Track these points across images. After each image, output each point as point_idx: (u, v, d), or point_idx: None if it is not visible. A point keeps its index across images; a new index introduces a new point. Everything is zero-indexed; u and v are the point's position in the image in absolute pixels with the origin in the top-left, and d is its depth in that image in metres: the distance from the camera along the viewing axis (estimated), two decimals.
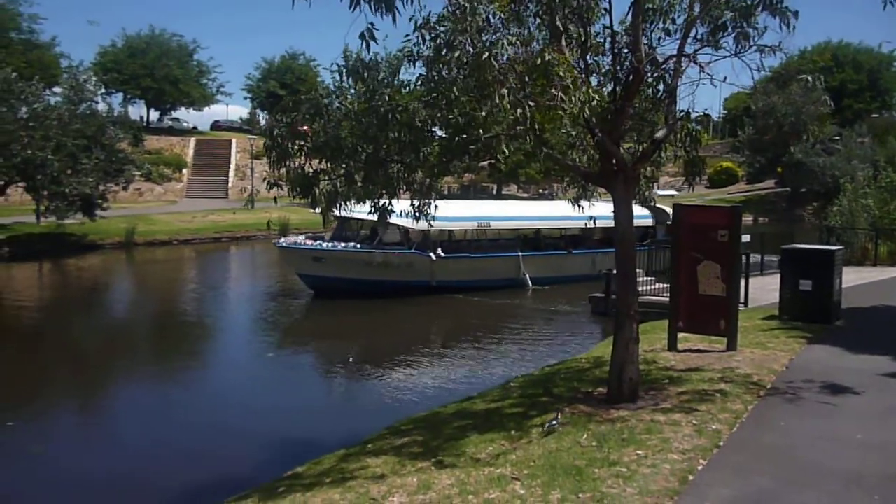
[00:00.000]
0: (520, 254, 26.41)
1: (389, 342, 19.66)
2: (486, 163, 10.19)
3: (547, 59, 6.71)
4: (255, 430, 12.35)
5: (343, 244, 24.78)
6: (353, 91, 8.56)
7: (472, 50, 6.88)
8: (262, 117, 72.82)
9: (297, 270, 25.11)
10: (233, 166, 60.51)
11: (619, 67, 8.72)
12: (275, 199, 9.69)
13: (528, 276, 26.11)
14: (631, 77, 8.36)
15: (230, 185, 58.58)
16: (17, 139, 32.02)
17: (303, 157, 9.05)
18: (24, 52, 54.57)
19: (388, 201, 9.63)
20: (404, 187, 9.44)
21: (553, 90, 6.85)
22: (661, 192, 29.15)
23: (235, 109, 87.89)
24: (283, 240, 26.40)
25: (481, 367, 16.16)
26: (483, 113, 7.52)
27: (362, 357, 17.37)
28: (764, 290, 16.56)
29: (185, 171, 58.73)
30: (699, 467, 6.46)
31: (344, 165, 8.68)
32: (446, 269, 24.84)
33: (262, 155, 9.38)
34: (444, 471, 6.79)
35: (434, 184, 9.61)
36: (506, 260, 26.46)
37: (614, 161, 8.59)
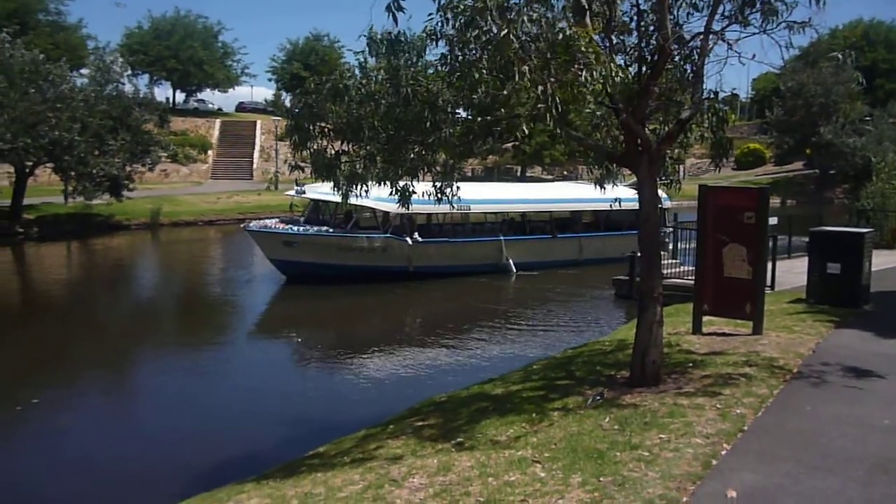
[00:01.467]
0: (502, 238, 25.70)
1: (406, 325, 19.71)
2: (509, 145, 10.09)
3: (568, 33, 6.59)
4: (275, 411, 12.45)
5: (315, 228, 23.86)
6: (374, 73, 8.50)
7: (494, 29, 6.78)
8: (287, 99, 72.95)
9: (267, 255, 24.14)
10: (257, 148, 60.74)
11: (644, 46, 8.57)
12: (296, 181, 9.70)
13: (511, 261, 25.41)
14: (657, 56, 8.22)
15: (255, 166, 58.84)
16: (45, 120, 32.31)
17: (324, 140, 9.04)
18: (52, 33, 55.09)
19: (408, 183, 9.60)
20: (425, 169, 9.40)
21: (575, 67, 6.73)
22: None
23: (260, 91, 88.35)
24: (252, 223, 25.12)
25: (501, 350, 16.14)
26: (505, 92, 7.44)
27: (381, 340, 17.34)
28: (791, 273, 16.34)
29: (210, 152, 59.05)
30: (723, 452, 6.38)
31: (365, 147, 8.64)
32: (424, 255, 24.16)
33: (286, 137, 9.36)
34: (464, 453, 6.78)
35: (456, 165, 9.54)
36: (487, 244, 25.65)
37: (639, 141, 8.47)
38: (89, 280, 27.59)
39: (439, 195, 9.70)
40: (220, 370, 15.48)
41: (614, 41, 8.54)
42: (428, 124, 8.42)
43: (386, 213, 23.32)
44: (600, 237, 27.64)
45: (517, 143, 9.53)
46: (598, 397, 7.83)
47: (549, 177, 68.73)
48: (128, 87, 37.49)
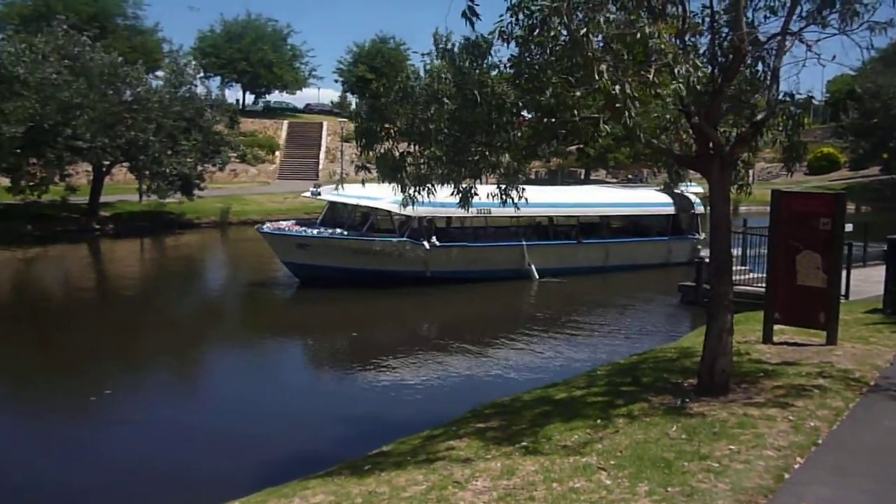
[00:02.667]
0: (524, 243, 24.69)
1: (451, 328, 19.47)
2: (573, 147, 10.00)
3: (647, 31, 6.47)
4: (338, 409, 12.58)
5: (330, 230, 23.11)
6: (440, 75, 8.53)
7: (564, 31, 6.73)
8: (353, 101, 73.81)
9: (281, 258, 23.64)
10: (323, 149, 61.60)
11: (718, 47, 8.39)
12: (363, 181, 9.81)
13: (533, 266, 24.40)
14: (730, 57, 8.03)
15: (321, 167, 59.68)
16: (122, 121, 33.46)
17: (390, 141, 9.11)
18: (129, 37, 56.91)
19: (471, 184, 9.60)
20: (489, 170, 9.39)
21: (652, 67, 6.63)
22: (690, 188, 27.59)
23: (327, 93, 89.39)
24: (266, 226, 24.40)
25: (563, 355, 15.97)
26: (578, 94, 7.37)
27: (430, 342, 17.15)
28: (867, 282, 15.78)
29: (277, 153, 60.15)
30: (796, 465, 6.20)
31: (431, 149, 8.67)
32: (442, 259, 23.21)
33: (352, 138, 9.47)
34: (528, 457, 6.74)
35: (521, 167, 9.50)
36: (508, 249, 24.67)
37: (711, 145, 8.29)
38: (160, 275, 28.44)
39: (503, 197, 9.69)
40: (274, 367, 15.74)
41: (686, 42, 8.39)
42: (494, 126, 8.42)
43: (402, 216, 22.46)
44: (628, 243, 26.83)
45: (581, 145, 9.44)
46: (686, 401, 7.70)
47: (614, 180, 67.93)
48: (200, 89, 38.57)
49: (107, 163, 35.98)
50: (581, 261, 25.33)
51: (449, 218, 24.68)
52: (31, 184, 33.43)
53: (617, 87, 6.70)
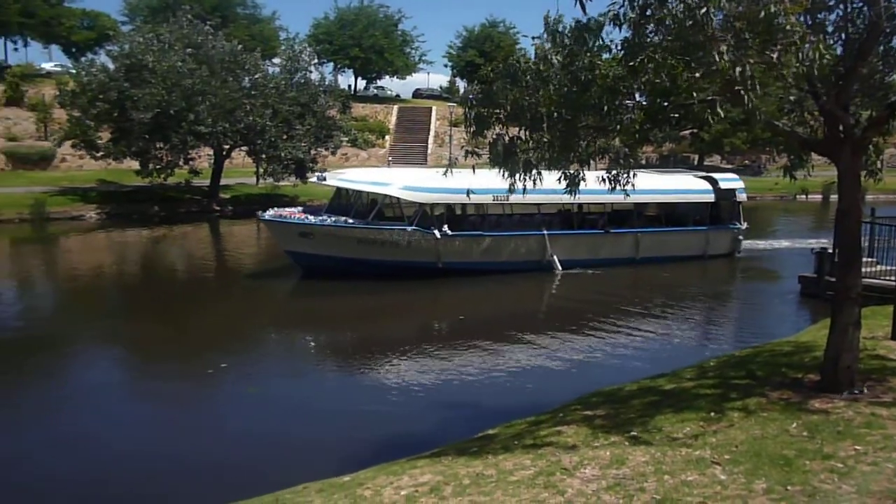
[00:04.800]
0: (545, 232, 22.85)
1: (539, 315, 19.18)
2: (687, 132, 9.64)
3: (772, 10, 6.15)
4: (440, 392, 12.70)
5: (333, 218, 21.66)
6: (550, 57, 8.41)
7: (684, 9, 6.49)
8: (461, 85, 73.94)
9: (282, 246, 22.48)
10: (432, 133, 62.10)
11: (850, 23, 7.89)
12: (473, 167, 9.83)
13: (556, 258, 22.69)
14: (865, 34, 7.54)
15: (429, 151, 60.21)
16: (241, 107, 34.81)
17: (500, 126, 9.07)
18: (248, 25, 59.16)
19: (579, 170, 9.44)
20: (599, 156, 9.23)
21: (777, 46, 6.31)
22: (725, 179, 25.97)
23: (436, 78, 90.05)
24: (267, 212, 23.00)
25: (670, 345, 15.58)
26: (698, 75, 7.12)
27: (525, 329, 16.69)
28: None
29: (387, 137, 61.09)
30: None
31: (540, 134, 8.58)
32: (454, 249, 21.74)
33: (461, 122, 9.46)
34: (638, 447, 6.61)
35: (632, 153, 9.27)
36: (528, 239, 22.87)
37: (841, 128, 7.83)
38: (276, 255, 29.42)
39: (613, 183, 9.50)
40: (386, 346, 15.91)
41: (815, 19, 7.94)
42: (605, 109, 8.25)
43: (411, 204, 21.44)
44: (661, 233, 24.76)
45: (696, 129, 9.11)
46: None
47: (729, 166, 65.43)
48: (314, 76, 39.56)
49: (226, 147, 37.56)
50: (609, 252, 23.64)
51: (463, 205, 23.16)
52: (157, 167, 35.36)
53: (737, 69, 6.43)
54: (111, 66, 34.54)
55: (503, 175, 9.26)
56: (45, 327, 17.41)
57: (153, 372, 14.28)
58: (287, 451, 10.05)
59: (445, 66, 77.24)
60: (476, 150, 9.29)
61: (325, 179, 23.72)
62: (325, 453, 9.88)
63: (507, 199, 21.22)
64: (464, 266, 21.80)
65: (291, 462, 9.57)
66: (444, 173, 14.02)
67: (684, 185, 25.87)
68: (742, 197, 25.93)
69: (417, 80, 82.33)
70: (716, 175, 26.74)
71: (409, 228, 21.28)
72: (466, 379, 13.34)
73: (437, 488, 6.20)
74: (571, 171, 9.21)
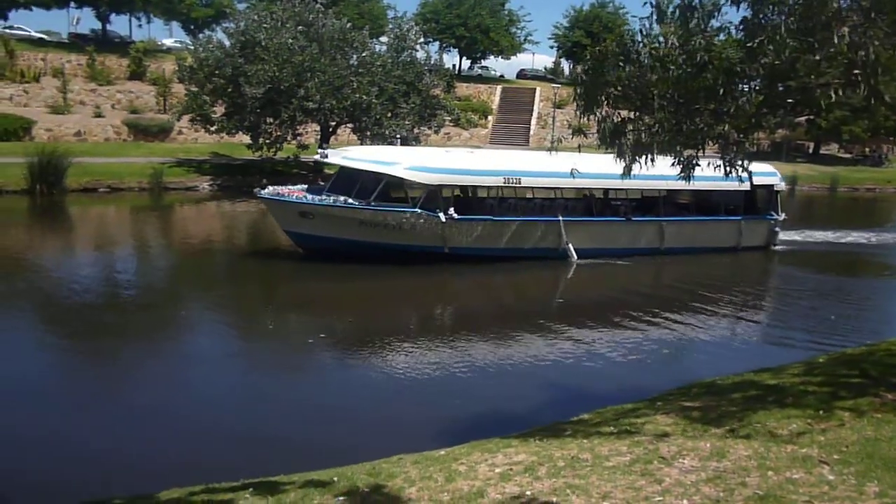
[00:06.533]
0: (560, 218, 21.33)
1: (662, 298, 18.68)
2: (803, 118, 9.21)
3: None
4: (531, 374, 12.64)
5: (333, 198, 20.42)
6: (665, 38, 8.19)
7: None
8: (567, 66, 72.89)
9: (282, 226, 21.36)
10: (535, 114, 61.57)
11: None
12: (579, 146, 9.70)
13: (571, 245, 21.24)
14: None
15: (531, 133, 59.75)
16: (348, 84, 35.44)
17: (610, 106, 8.92)
18: (357, 4, 60.09)
19: (693, 154, 9.22)
20: (713, 140, 8.98)
21: None
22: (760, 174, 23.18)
23: (541, 58, 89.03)
24: (265, 190, 21.66)
25: (771, 340, 15.01)
26: (817, 57, 6.80)
27: (636, 316, 16.42)
28: None
29: (490, 117, 60.98)
30: None
31: (653, 114, 8.40)
32: (462, 234, 20.50)
33: (564, 104, 9.30)
34: (740, 441, 6.43)
35: (746, 137, 8.96)
36: (542, 225, 21.41)
37: None
38: None
39: (727, 169, 9.25)
40: (481, 323, 15.94)
41: None
42: (721, 92, 8.00)
43: (416, 184, 20.32)
44: (690, 222, 23.15)
45: (812, 116, 8.70)
46: None
47: (847, 155, 62.08)
48: (420, 54, 39.80)
49: (333, 123, 38.33)
50: (630, 241, 22.30)
51: (473, 188, 22.28)
52: (267, 142, 36.49)
53: (859, 53, 6.10)
54: (227, 42, 35.83)
55: (614, 158, 9.09)
56: (162, 291, 18.48)
57: (254, 341, 14.74)
58: (380, 426, 10.26)
59: (551, 46, 76.44)
60: (583, 129, 9.19)
61: (326, 157, 22.65)
62: (419, 428, 10.04)
63: (519, 182, 21.06)
64: (471, 252, 20.68)
65: (388, 434, 9.77)
66: (549, 152, 13.95)
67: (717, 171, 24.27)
68: (781, 186, 24.36)
69: (522, 60, 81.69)
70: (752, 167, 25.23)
71: (412, 210, 20.22)
72: (560, 362, 13.27)
73: (531, 468, 6.21)
74: (685, 156, 9.01)
